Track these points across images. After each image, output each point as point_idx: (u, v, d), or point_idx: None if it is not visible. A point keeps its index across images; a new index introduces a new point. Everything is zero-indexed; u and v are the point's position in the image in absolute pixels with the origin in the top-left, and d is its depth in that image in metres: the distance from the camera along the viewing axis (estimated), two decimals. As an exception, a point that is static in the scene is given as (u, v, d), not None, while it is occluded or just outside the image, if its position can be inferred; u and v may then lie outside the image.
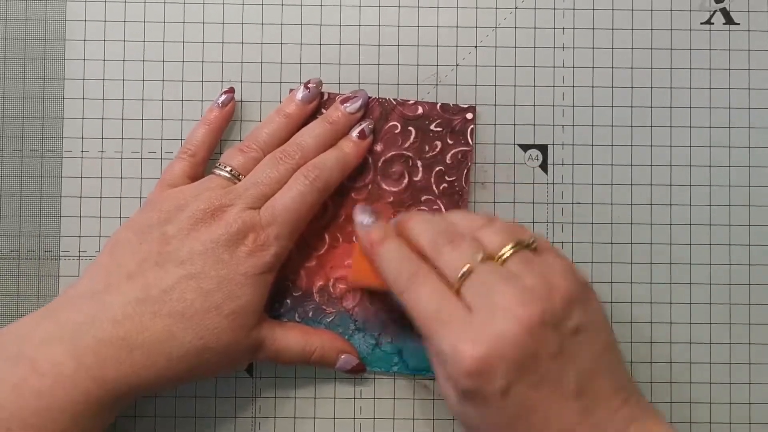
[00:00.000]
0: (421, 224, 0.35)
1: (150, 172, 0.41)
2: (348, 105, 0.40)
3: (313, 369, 0.41)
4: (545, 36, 0.42)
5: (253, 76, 0.42)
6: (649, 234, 0.42)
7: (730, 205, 0.42)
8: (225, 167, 0.39)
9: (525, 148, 0.42)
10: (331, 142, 0.40)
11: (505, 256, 0.33)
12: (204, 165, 0.40)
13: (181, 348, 0.35)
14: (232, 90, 0.41)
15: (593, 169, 0.42)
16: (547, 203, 0.42)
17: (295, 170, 0.38)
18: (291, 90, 0.41)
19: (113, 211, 0.42)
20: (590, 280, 0.41)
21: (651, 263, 0.42)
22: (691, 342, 0.41)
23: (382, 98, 0.41)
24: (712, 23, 0.42)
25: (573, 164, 0.42)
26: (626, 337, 0.41)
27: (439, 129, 0.41)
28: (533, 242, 0.34)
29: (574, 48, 0.42)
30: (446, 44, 0.42)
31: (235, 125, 0.42)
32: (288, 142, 0.39)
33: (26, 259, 0.42)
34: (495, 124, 0.42)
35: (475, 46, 0.42)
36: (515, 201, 0.42)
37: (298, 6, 0.42)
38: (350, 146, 0.40)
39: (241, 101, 0.42)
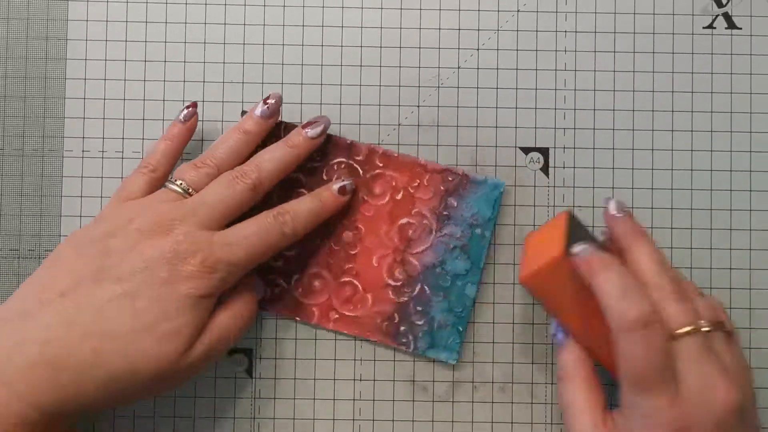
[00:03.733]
0: (651, 260, 0.36)
1: (151, 173, 0.41)
2: (309, 130, 0.39)
3: (313, 369, 0.41)
4: (547, 39, 0.42)
5: (255, 77, 0.42)
6: (649, 238, 0.42)
7: (731, 210, 0.42)
8: (177, 181, 0.37)
9: (526, 151, 0.42)
10: (291, 167, 0.39)
11: (707, 329, 0.35)
12: (163, 181, 0.39)
13: (109, 372, 0.33)
14: (194, 105, 0.40)
15: (594, 173, 0.42)
16: (548, 206, 0.42)
17: (250, 191, 0.37)
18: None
19: (114, 211, 0.42)
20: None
21: (651, 267, 0.42)
22: (690, 346, 0.41)
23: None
24: (714, 27, 0.42)
25: (574, 167, 0.42)
26: (626, 341, 0.41)
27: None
28: (732, 327, 0.36)
29: (575, 51, 0.42)
30: (448, 47, 0.42)
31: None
32: (247, 162, 0.38)
33: (26, 258, 0.42)
34: (496, 127, 0.42)
35: (477, 49, 0.42)
36: (516, 204, 0.42)
37: (300, 7, 0.42)
38: (329, 198, 0.39)
39: (243, 102, 0.42)
